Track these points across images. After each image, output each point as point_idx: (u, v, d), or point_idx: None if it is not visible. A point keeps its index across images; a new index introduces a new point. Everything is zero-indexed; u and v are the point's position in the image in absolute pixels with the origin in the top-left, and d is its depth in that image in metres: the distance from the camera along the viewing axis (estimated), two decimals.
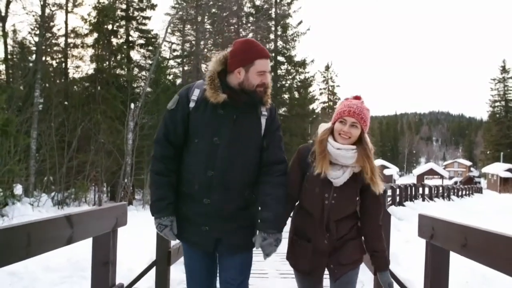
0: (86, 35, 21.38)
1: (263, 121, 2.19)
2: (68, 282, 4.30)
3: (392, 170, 62.91)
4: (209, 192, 2.10)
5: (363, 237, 2.28)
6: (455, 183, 49.40)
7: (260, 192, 2.20)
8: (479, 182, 55.72)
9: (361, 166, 2.11)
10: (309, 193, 2.19)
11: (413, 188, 17.89)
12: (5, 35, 17.34)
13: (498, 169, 50.29)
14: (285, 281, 4.80)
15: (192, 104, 2.13)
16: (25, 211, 10.61)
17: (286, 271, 5.11)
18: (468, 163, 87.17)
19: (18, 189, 11.80)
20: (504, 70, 59.06)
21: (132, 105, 17.95)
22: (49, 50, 21.31)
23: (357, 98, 2.19)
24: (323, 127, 2.25)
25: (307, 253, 2.21)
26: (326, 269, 2.28)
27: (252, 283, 4.56)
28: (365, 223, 2.22)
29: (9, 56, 18.17)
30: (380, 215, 2.20)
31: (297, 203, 2.33)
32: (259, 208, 2.22)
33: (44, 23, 19.14)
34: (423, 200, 19.14)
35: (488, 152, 60.62)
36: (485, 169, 56.84)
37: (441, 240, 2.31)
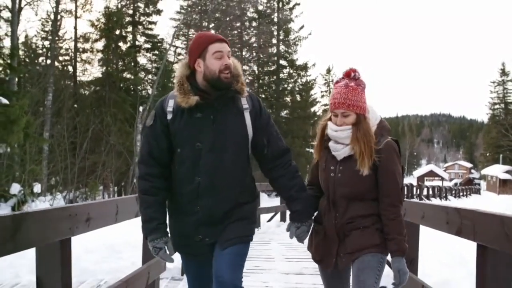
0: (96, 40, 22.17)
1: (247, 115, 2.09)
2: (107, 262, 5.05)
3: None
4: (198, 199, 2.03)
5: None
6: (455, 184, 50.27)
7: (281, 187, 2.19)
8: (479, 184, 56.37)
9: (353, 146, 2.08)
10: (320, 170, 2.22)
11: (410, 188, 18.62)
12: (17, 42, 18.14)
13: (497, 171, 50.89)
14: (289, 263, 5.51)
15: (169, 116, 2.04)
16: None
17: (290, 256, 5.89)
18: (469, 165, 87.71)
19: (37, 188, 12.63)
20: (503, 73, 59.52)
21: (141, 108, 18.77)
22: (58, 53, 22.09)
23: (348, 74, 2.14)
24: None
25: (319, 239, 2.19)
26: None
27: (259, 265, 5.33)
28: (379, 203, 2.10)
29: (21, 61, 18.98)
30: (392, 195, 2.06)
31: None
32: (287, 202, 2.21)
33: (56, 29, 19.96)
34: (420, 199, 19.88)
35: (488, 154, 61.16)
36: (484, 171, 57.46)
37: (410, 216, 3.07)
